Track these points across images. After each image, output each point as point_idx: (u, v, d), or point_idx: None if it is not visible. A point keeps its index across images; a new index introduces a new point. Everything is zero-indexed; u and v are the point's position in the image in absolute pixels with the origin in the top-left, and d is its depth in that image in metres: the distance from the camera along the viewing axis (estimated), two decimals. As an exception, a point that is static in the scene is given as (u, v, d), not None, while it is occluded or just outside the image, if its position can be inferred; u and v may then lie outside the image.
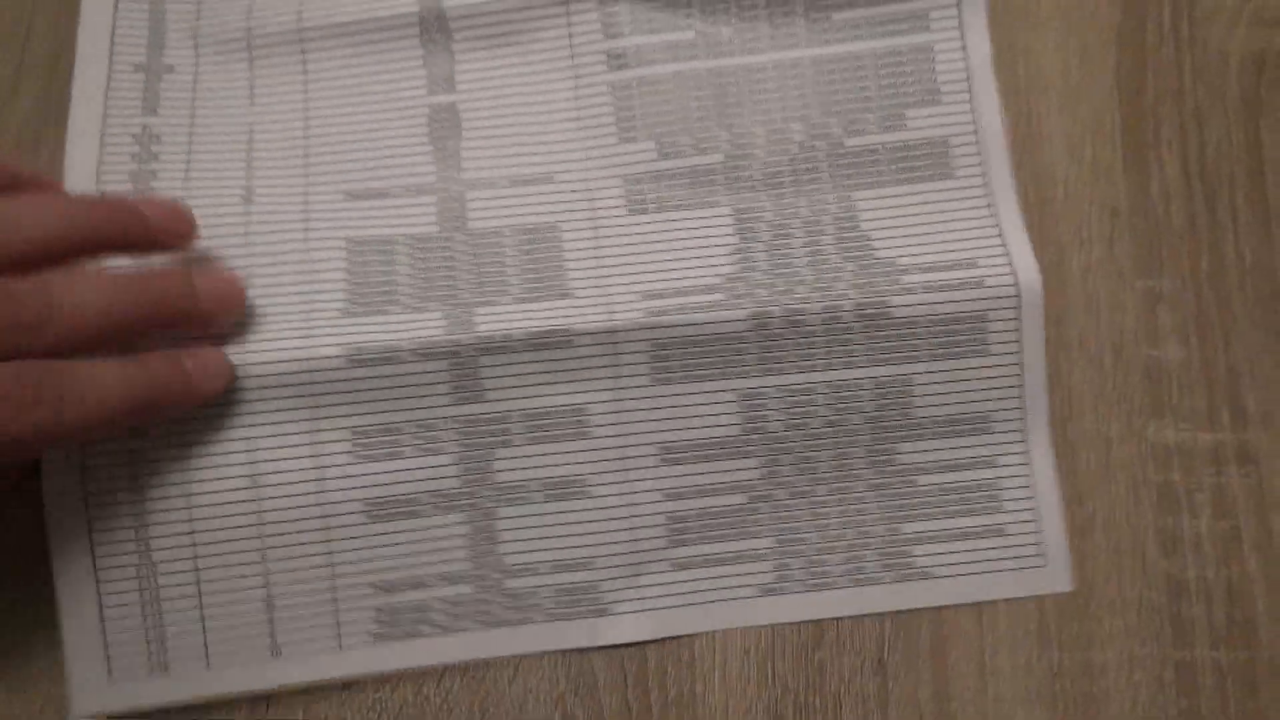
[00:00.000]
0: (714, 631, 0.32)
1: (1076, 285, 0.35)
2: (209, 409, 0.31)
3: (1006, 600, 0.33)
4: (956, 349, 0.33)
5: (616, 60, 0.34)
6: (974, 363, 0.33)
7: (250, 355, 0.31)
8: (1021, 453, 0.32)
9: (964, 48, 0.35)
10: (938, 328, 0.32)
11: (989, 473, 0.32)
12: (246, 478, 0.30)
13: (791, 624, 0.32)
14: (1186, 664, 0.32)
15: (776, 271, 0.33)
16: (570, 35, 0.34)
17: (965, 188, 0.34)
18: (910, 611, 0.32)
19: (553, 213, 0.34)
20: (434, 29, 0.34)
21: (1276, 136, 0.37)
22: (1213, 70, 0.38)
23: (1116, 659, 0.32)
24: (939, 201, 0.34)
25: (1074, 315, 0.35)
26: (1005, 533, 0.32)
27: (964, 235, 0.34)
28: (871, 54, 0.34)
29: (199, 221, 0.31)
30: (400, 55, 0.35)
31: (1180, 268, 0.36)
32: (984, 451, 0.32)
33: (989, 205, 0.34)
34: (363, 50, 0.35)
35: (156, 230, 0.29)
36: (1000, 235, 0.34)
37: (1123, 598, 0.33)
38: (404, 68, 0.35)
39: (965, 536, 0.32)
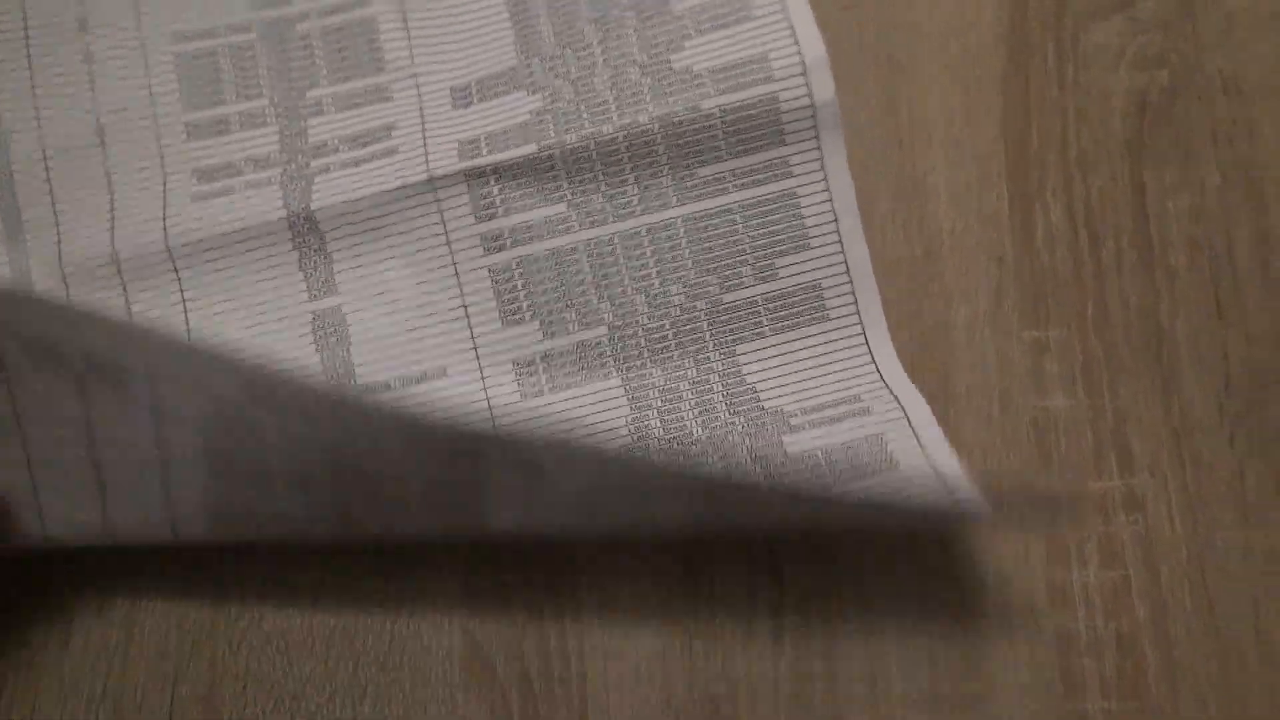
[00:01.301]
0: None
1: (962, 338, 0.36)
2: None
3: (899, 656, 0.33)
4: (865, 478, 0.33)
5: (493, 242, 0.34)
6: (888, 479, 0.33)
7: None
8: None
9: (828, 189, 0.35)
10: (837, 457, 0.33)
11: None
12: None
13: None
14: (1078, 717, 0.32)
15: (670, 438, 0.33)
16: (444, 221, 0.34)
17: (841, 328, 0.35)
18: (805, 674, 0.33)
19: (451, 409, 0.33)
20: (305, 232, 0.34)
21: (1159, 179, 0.37)
22: (1096, 113, 0.38)
23: (1010, 716, 0.33)
24: (817, 345, 0.34)
25: (960, 370, 0.35)
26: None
27: (844, 375, 0.34)
28: (740, 206, 0.35)
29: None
30: (276, 264, 0.34)
31: (1066, 316, 0.36)
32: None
33: (864, 342, 0.35)
34: (236, 263, 0.34)
35: None
36: (877, 370, 0.34)
37: (1014, 653, 0.33)
38: (281, 276, 0.34)
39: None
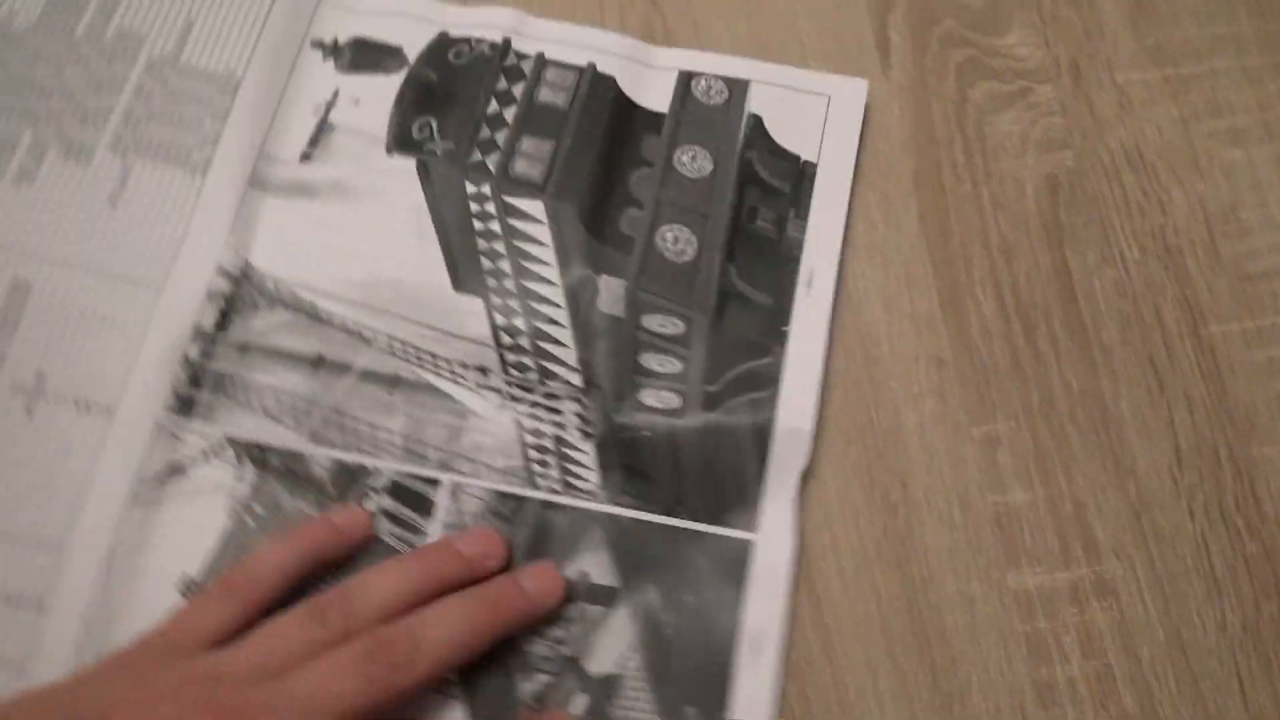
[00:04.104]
0: None
1: (915, 442, 0.36)
2: None
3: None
4: None
5: None
6: None
7: None
8: None
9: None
10: None
11: None
12: None
13: None
14: (1083, 816, 0.32)
15: None
16: None
17: None
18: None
19: None
20: None
21: (1082, 258, 0.38)
22: (1011, 200, 0.39)
23: (1015, 824, 0.32)
24: None
25: (917, 475, 0.35)
26: None
27: None
28: None
29: None
30: None
31: (1012, 407, 0.36)
32: None
33: None
34: None
35: (474, 565, 0.34)
36: None
37: (1010, 760, 0.33)
38: None
39: None
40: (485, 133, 0.39)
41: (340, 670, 0.30)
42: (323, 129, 0.40)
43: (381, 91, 0.40)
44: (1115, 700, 0.33)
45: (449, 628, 0.31)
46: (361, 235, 0.38)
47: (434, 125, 0.40)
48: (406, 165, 0.39)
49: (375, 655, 0.30)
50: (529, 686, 0.33)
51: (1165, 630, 0.34)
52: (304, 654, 0.30)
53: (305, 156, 0.39)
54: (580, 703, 0.33)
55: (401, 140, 0.39)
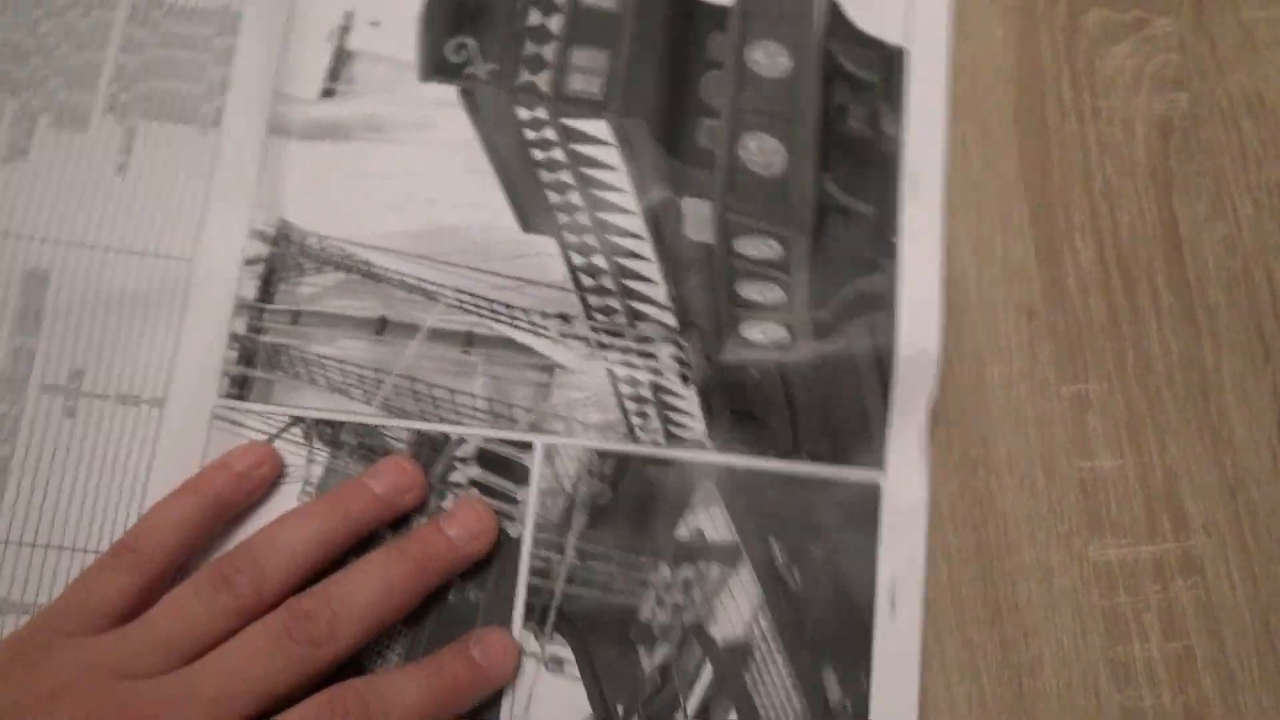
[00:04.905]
0: None
1: (999, 400, 0.33)
2: None
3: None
4: None
5: None
6: None
7: None
8: None
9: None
10: None
11: None
12: None
13: None
14: (1151, 801, 0.31)
15: None
16: None
17: None
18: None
19: None
20: None
21: (1191, 210, 0.35)
22: (1119, 142, 0.36)
23: (1079, 805, 0.31)
24: None
25: (1000, 434, 0.33)
26: None
27: None
28: None
29: None
30: None
31: (1106, 367, 0.34)
32: None
33: None
34: None
35: (390, 503, 0.31)
36: None
37: (1080, 739, 0.31)
38: None
39: None
40: (530, 48, 0.35)
41: (256, 651, 0.28)
42: (341, 59, 0.35)
43: (402, 9, 0.36)
44: (1194, 683, 0.31)
45: (370, 593, 0.29)
46: (408, 178, 0.34)
47: (471, 45, 0.35)
48: (446, 93, 0.35)
49: (294, 632, 0.28)
50: (652, 660, 0.31)
51: (1252, 613, 0.32)
52: (213, 627, 0.28)
53: (327, 92, 0.35)
54: (707, 673, 0.31)
55: (436, 65, 0.35)
